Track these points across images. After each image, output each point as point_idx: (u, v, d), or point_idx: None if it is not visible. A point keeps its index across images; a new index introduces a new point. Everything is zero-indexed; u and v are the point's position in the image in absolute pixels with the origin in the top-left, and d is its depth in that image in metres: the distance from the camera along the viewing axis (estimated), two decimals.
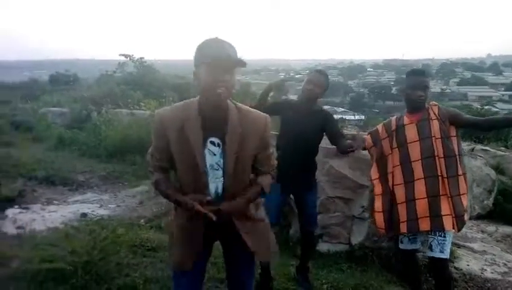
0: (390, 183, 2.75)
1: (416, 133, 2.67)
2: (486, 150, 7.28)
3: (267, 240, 2.03)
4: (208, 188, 1.82)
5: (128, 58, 16.36)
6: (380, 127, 2.92)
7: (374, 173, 2.88)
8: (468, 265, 3.95)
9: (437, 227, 2.57)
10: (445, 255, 2.61)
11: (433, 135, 2.63)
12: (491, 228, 5.39)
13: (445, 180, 2.60)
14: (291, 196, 3.28)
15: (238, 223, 1.90)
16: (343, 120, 14.81)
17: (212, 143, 1.79)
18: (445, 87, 67.13)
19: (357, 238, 3.85)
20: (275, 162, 2.04)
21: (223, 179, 1.82)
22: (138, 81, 15.22)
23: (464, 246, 4.48)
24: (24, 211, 4.93)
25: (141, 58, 16.56)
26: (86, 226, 3.33)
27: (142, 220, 4.50)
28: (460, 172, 2.64)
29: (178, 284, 1.99)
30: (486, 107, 21.23)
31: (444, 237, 2.59)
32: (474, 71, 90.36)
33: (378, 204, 2.82)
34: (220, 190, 1.84)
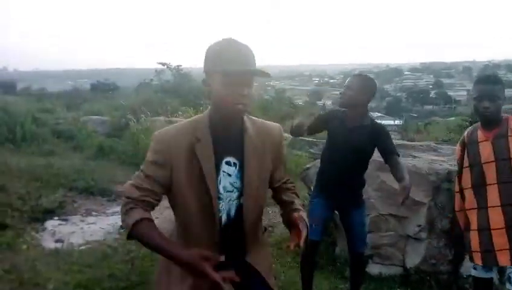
0: (457, 205, 2.42)
1: (491, 152, 2.28)
2: None
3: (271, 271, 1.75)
4: (217, 216, 1.54)
5: (165, 66, 16.57)
6: (457, 147, 2.55)
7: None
8: None
9: None
10: None
11: None
12: None
13: None
14: (336, 212, 3.02)
15: (254, 255, 1.63)
16: None
17: (228, 163, 1.54)
18: None
19: (413, 261, 3.51)
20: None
21: (238, 201, 1.57)
22: (175, 89, 15.35)
23: None
24: (63, 223, 4.89)
25: (178, 66, 16.72)
26: (123, 245, 3.19)
27: None
28: None
29: None
30: None
31: None
32: None
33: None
34: (232, 213, 1.58)
